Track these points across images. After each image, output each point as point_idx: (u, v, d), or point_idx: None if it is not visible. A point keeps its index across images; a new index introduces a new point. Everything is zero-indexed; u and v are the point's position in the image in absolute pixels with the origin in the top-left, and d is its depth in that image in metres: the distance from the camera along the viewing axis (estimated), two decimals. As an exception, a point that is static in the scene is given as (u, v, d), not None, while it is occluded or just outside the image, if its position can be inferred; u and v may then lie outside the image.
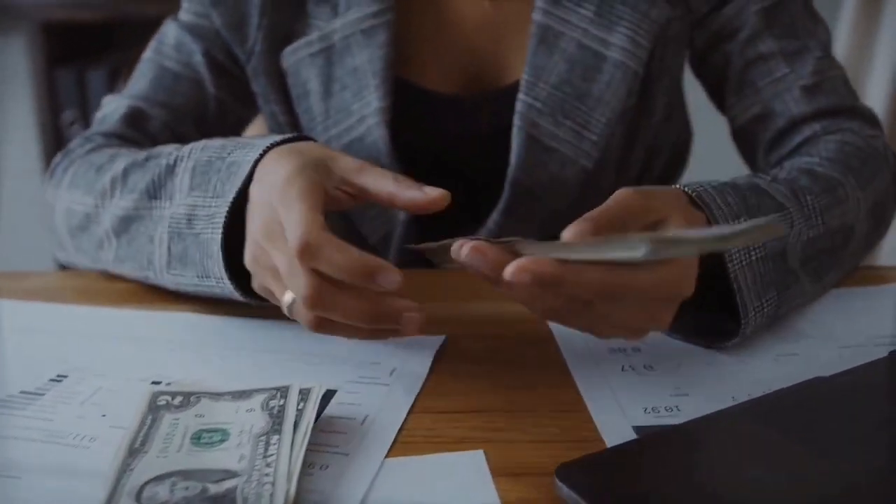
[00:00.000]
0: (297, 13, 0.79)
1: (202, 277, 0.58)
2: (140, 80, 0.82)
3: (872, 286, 0.69)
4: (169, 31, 0.83)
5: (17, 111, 1.99)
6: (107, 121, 0.79)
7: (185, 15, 0.82)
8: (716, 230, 0.45)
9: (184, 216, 0.59)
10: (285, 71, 0.80)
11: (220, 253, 0.56)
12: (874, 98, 1.92)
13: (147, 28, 0.87)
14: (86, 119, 1.83)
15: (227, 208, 0.56)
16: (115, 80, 1.80)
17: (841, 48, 1.91)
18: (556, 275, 0.44)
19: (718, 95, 0.83)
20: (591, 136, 0.76)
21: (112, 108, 0.80)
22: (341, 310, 0.48)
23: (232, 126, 0.86)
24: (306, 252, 0.47)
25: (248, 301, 0.58)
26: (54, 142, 1.83)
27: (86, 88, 1.82)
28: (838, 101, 0.77)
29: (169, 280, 0.61)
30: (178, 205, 0.60)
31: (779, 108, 0.77)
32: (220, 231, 0.56)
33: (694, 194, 0.55)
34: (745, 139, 0.81)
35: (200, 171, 0.59)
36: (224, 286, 0.57)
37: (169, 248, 0.60)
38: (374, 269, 0.47)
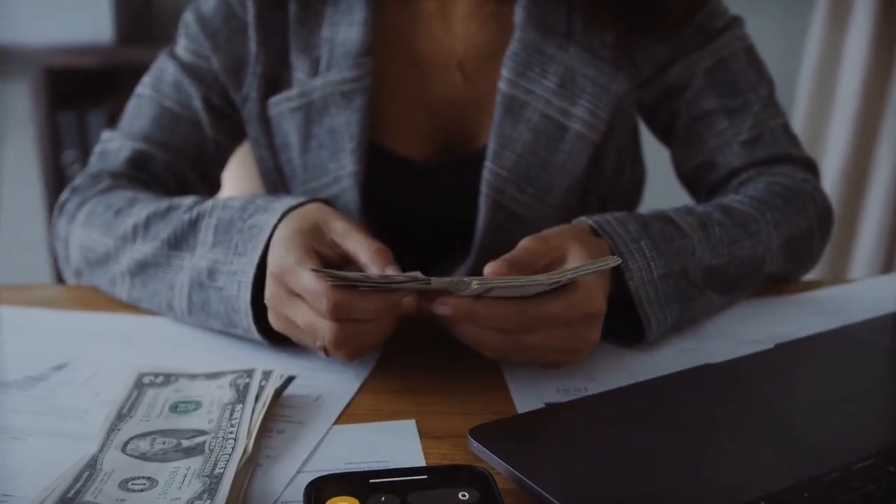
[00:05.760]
0: (282, 61, 0.84)
1: (228, 326, 0.66)
2: (140, 118, 0.85)
3: (775, 297, 0.78)
4: (167, 69, 0.85)
5: (21, 151, 2.07)
6: (110, 159, 0.83)
7: (183, 53, 0.85)
8: (550, 272, 0.55)
9: (205, 269, 0.65)
10: (270, 119, 0.84)
11: (250, 311, 0.62)
12: (843, 100, 1.99)
13: (144, 74, 0.89)
14: (86, 159, 1.89)
15: (252, 271, 0.62)
16: (114, 123, 1.84)
17: (812, 50, 1.96)
18: (468, 307, 0.54)
19: (665, 140, 0.91)
20: (551, 202, 0.81)
21: (115, 146, 0.84)
22: (361, 336, 0.56)
23: (227, 164, 0.91)
24: (338, 310, 0.54)
25: (272, 347, 0.64)
26: (56, 180, 1.91)
27: (86, 130, 1.90)
28: (775, 151, 0.84)
29: (192, 323, 0.69)
30: (200, 258, 0.66)
31: (720, 161, 0.85)
32: (249, 292, 0.62)
33: (596, 225, 0.64)
34: (690, 181, 0.90)
35: (223, 230, 0.66)
36: (252, 336, 0.64)
37: (190, 297, 0.67)
38: (397, 302, 0.55)
